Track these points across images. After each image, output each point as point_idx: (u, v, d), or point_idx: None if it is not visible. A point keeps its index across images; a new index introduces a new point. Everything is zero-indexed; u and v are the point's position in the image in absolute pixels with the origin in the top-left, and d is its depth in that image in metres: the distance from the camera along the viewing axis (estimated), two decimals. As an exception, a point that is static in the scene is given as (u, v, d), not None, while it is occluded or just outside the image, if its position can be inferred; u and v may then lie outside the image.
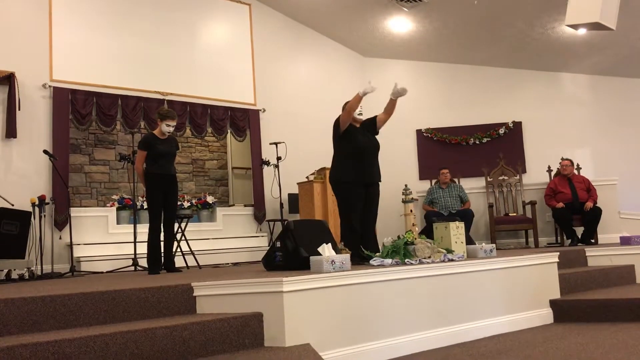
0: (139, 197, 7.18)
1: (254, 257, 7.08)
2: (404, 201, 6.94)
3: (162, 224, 4.99)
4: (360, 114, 4.46)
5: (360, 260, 3.90)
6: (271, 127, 8.22)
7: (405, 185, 7.05)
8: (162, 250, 5.05)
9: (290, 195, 7.88)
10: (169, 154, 5.05)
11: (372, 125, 4.53)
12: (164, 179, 4.96)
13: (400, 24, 8.54)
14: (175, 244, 5.76)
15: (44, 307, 2.58)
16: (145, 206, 7.04)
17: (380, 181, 4.42)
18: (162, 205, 4.96)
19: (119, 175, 8.06)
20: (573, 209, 6.70)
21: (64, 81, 6.64)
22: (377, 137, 4.56)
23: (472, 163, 8.66)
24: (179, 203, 7.37)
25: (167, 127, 4.96)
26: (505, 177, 7.83)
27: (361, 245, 3.99)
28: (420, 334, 3.15)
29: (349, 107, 4.33)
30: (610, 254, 4.96)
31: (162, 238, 5.01)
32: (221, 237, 7.31)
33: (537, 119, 8.95)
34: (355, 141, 4.28)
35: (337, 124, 4.40)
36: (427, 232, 4.14)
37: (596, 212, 6.58)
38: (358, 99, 4.30)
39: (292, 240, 3.66)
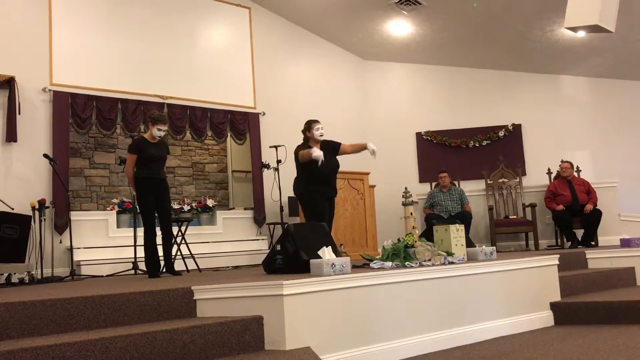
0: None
1: (254, 261, 7.07)
2: (404, 204, 6.93)
3: (157, 228, 4.96)
4: (321, 135, 5.02)
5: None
6: (271, 130, 8.22)
7: (405, 188, 7.05)
8: (162, 254, 5.04)
9: (290, 198, 7.87)
10: (160, 157, 4.99)
11: (333, 149, 5.06)
12: (154, 183, 4.89)
13: (400, 27, 8.56)
14: (175, 247, 5.76)
15: (44, 311, 2.58)
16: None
17: (335, 196, 5.10)
18: (154, 209, 4.91)
19: (119, 178, 8.07)
20: (573, 212, 6.71)
21: (64, 85, 6.65)
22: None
23: (472, 166, 8.66)
24: (179, 207, 7.38)
25: (158, 132, 4.90)
26: (505, 180, 7.83)
27: None
28: (421, 336, 3.14)
29: (303, 155, 4.82)
30: (611, 256, 4.96)
31: (159, 241, 4.99)
32: (221, 240, 7.30)
33: (537, 121, 8.95)
34: (316, 165, 4.79)
35: (297, 155, 4.94)
36: (427, 235, 4.15)
37: (596, 215, 6.59)
38: (308, 156, 4.75)
39: (292, 244, 3.66)
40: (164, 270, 5.06)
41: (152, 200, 4.88)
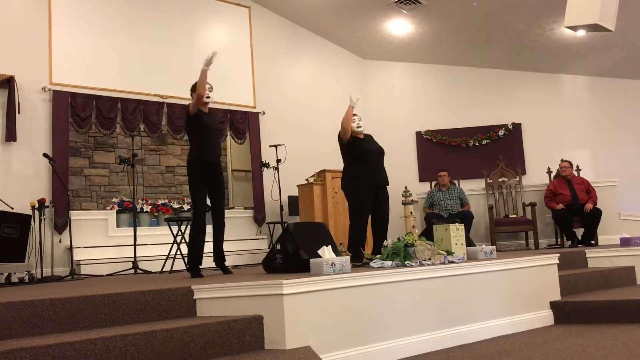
0: (139, 200, 7.18)
1: (254, 260, 7.07)
2: (404, 203, 6.93)
3: (207, 220, 4.42)
4: (359, 127, 4.75)
5: (360, 261, 3.94)
6: (271, 130, 8.23)
7: (405, 187, 7.05)
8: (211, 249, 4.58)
9: (290, 197, 7.87)
10: (215, 129, 4.37)
11: (376, 143, 4.86)
12: (208, 167, 4.31)
13: (400, 26, 8.56)
14: (175, 246, 5.76)
15: (44, 311, 2.58)
16: (145, 209, 7.06)
17: (388, 184, 4.74)
18: (206, 198, 4.34)
19: (118, 178, 8.07)
20: (573, 211, 6.70)
21: (63, 84, 6.65)
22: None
23: (471, 165, 8.66)
24: (179, 206, 7.38)
25: (208, 92, 4.30)
26: (505, 179, 7.83)
27: (373, 248, 4.05)
28: (421, 336, 3.14)
29: (345, 120, 4.60)
30: (611, 255, 4.96)
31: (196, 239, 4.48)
32: (221, 239, 7.29)
33: (537, 120, 8.95)
34: (362, 147, 4.62)
35: (340, 138, 4.73)
36: (427, 234, 4.15)
37: (596, 214, 6.58)
38: (350, 110, 4.59)
39: (292, 243, 3.66)
40: (216, 265, 4.57)
41: (204, 185, 4.31)
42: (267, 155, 7.66)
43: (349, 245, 4.51)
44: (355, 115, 4.77)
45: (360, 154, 4.59)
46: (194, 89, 4.44)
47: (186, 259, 4.41)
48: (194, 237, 4.32)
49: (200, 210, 4.30)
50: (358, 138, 4.69)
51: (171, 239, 5.84)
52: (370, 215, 4.66)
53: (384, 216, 4.67)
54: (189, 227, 5.99)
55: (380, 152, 4.74)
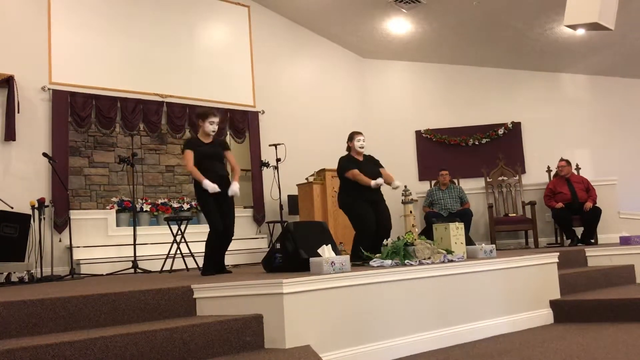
0: (139, 200, 7.18)
1: (253, 259, 7.07)
2: (404, 202, 6.91)
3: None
4: (362, 147, 4.94)
5: (359, 260, 3.95)
6: (270, 129, 8.22)
7: (405, 186, 7.02)
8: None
9: (289, 196, 7.87)
10: (214, 155, 4.52)
11: (375, 161, 5.06)
12: (213, 181, 4.37)
13: (399, 25, 8.55)
14: (175, 246, 5.76)
15: (44, 310, 2.58)
16: (145, 208, 7.06)
17: (380, 197, 4.97)
18: (217, 209, 4.40)
19: (118, 177, 8.06)
20: (572, 209, 6.70)
21: (63, 84, 6.64)
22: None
23: (471, 164, 8.65)
24: (178, 205, 7.37)
25: (210, 126, 4.44)
26: (505, 178, 7.82)
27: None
28: (420, 335, 3.15)
29: (358, 180, 4.77)
30: (610, 254, 4.96)
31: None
32: (221, 239, 7.28)
33: (536, 119, 8.95)
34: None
35: (341, 167, 4.89)
36: (427, 233, 4.15)
37: (596, 212, 6.58)
38: (366, 182, 4.76)
39: (291, 242, 3.66)
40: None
41: (213, 199, 4.37)
42: (267, 155, 7.65)
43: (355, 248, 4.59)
44: (360, 134, 4.96)
45: (355, 182, 4.76)
46: (202, 114, 4.53)
47: (202, 264, 4.47)
48: (210, 246, 4.38)
49: (215, 222, 4.36)
50: (357, 163, 4.85)
51: (171, 239, 5.85)
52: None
53: (386, 221, 4.89)
54: (189, 226, 6.08)
55: (374, 174, 4.88)
